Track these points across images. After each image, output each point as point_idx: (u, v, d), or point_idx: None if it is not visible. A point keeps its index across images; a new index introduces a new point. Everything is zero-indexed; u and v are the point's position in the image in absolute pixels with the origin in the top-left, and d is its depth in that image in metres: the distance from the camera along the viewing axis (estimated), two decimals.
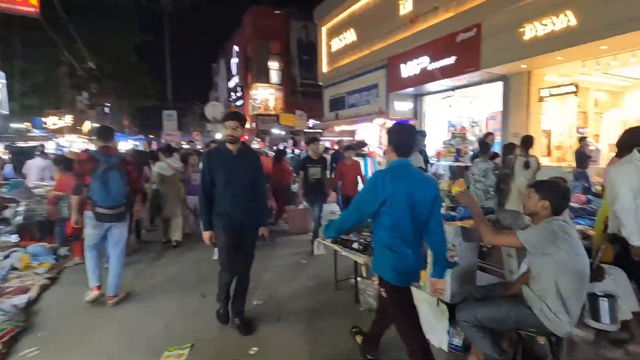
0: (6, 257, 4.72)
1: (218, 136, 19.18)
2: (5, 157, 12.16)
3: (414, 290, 2.51)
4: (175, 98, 22.68)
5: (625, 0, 6.98)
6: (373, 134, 15.72)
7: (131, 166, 3.85)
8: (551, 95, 9.83)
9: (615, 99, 12.19)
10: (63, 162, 4.71)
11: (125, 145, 25.97)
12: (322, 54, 17.99)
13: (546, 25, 8.49)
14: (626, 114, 11.49)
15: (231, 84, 31.00)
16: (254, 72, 25.95)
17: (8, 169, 11.39)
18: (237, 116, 2.94)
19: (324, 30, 17.67)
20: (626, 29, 7.03)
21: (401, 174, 1.98)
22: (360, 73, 15.11)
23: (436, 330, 2.48)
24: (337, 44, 16.70)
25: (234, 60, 29.60)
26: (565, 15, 8.09)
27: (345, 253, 3.33)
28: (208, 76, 41.17)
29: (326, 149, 11.81)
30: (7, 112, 12.90)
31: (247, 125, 27.54)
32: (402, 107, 13.93)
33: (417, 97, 14.00)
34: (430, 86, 12.62)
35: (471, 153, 6.30)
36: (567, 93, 9.54)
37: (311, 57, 26.05)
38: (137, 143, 22.77)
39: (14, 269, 4.49)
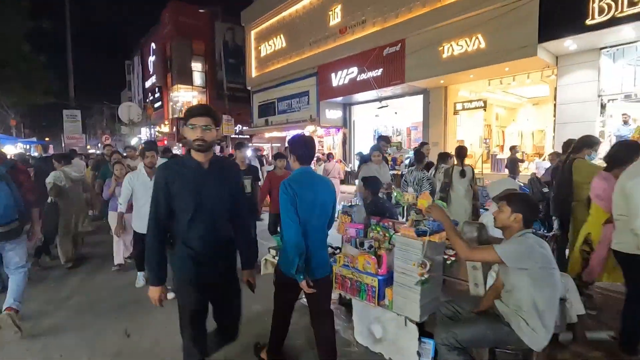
0: None
1: (133, 142, 17.28)
2: None
3: (380, 309, 2.44)
4: (80, 97, 19.84)
5: (520, 30, 8.01)
6: None
7: (23, 175, 3.41)
8: (464, 109, 10.83)
9: (511, 114, 14.02)
10: None
11: (12, 149, 21.86)
12: (250, 58, 17.46)
13: (461, 46, 9.32)
14: (520, 126, 13.29)
15: (148, 83, 28.36)
16: (175, 72, 24.11)
17: None
18: (208, 111, 1.93)
19: (252, 34, 17.19)
20: (521, 55, 8.08)
21: (306, 180, 2.21)
22: (290, 80, 14.97)
23: (404, 350, 2.34)
24: (266, 49, 16.36)
25: (151, 59, 27.16)
26: (477, 38, 8.97)
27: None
28: (120, 74, 37.18)
29: (258, 153, 11.33)
30: None
31: (167, 129, 25.44)
32: (333, 115, 14.14)
33: (347, 106, 14.34)
34: (359, 96, 13.03)
35: (407, 162, 6.54)
36: (476, 107, 10.60)
37: (238, 60, 25.21)
38: (28, 147, 19.47)
39: None
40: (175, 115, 24.21)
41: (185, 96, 24.51)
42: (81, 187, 5.36)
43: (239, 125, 21.58)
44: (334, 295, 2.96)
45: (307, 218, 2.14)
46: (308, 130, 14.92)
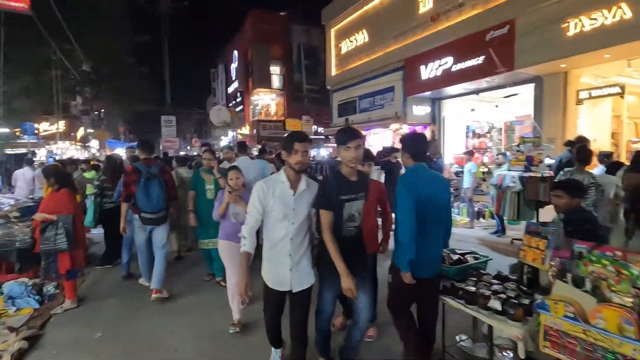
0: None
1: (223, 142, 18.03)
2: None
3: None
4: (172, 104, 21.49)
5: None
6: (386, 140, 14.74)
7: (168, 175, 4.16)
8: (591, 97, 8.93)
9: None
10: (55, 174, 3.58)
11: (121, 151, 24.66)
12: (330, 57, 17.03)
13: (595, 19, 7.58)
14: None
15: (230, 89, 29.86)
16: (255, 77, 24.88)
17: None
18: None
19: (332, 32, 16.73)
20: None
21: (421, 176, 2.30)
22: (373, 76, 14.14)
23: None
24: (347, 46, 15.75)
25: (234, 65, 28.49)
26: (620, 7, 7.19)
27: (474, 313, 2.21)
28: (205, 82, 39.99)
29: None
30: None
31: (247, 132, 26.44)
32: (420, 111, 12.96)
33: (436, 101, 13.05)
34: (451, 89, 11.69)
35: (549, 161, 5.32)
36: (610, 95, 8.65)
37: (313, 62, 25.16)
38: (133, 150, 21.52)
39: None
40: (255, 118, 24.96)
41: (265, 99, 25.14)
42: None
43: (314, 126, 21.41)
44: None
45: (422, 214, 2.20)
46: (392, 128, 13.96)
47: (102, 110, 23.01)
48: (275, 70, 25.12)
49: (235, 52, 27.92)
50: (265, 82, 24.67)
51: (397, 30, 12.79)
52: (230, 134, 24.07)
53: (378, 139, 15.34)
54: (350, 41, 15.44)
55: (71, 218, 3.45)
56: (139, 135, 40.31)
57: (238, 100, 27.93)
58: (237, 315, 3.20)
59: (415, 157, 2.31)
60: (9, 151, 13.97)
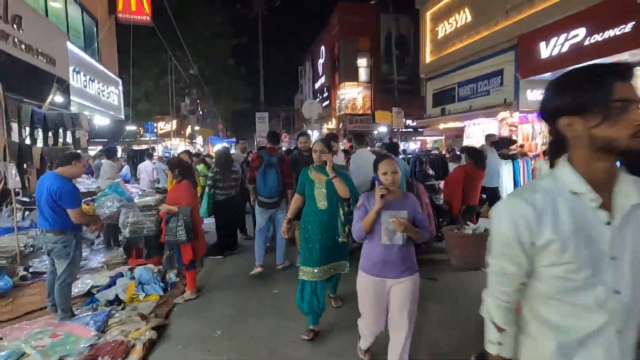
0: (111, 284, 3.76)
1: (314, 135, 18.22)
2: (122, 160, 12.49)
3: None
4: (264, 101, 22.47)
5: None
6: (489, 131, 13.07)
7: (285, 165, 4.31)
8: None
9: None
10: (179, 166, 3.67)
11: (219, 147, 26.88)
12: (425, 43, 15.77)
13: None
14: None
15: (317, 85, 30.23)
16: (342, 71, 24.63)
17: (125, 171, 11.65)
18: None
19: (427, 15, 15.45)
20: None
21: None
22: (477, 59, 12.61)
23: None
24: (444, 29, 14.36)
25: (321, 61, 28.72)
26: None
27: None
28: (292, 80, 41.37)
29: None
30: (123, 117, 13.39)
31: (334, 126, 26.44)
32: (537, 96, 11.09)
33: None
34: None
35: None
36: None
37: (402, 51, 23.87)
38: (230, 145, 23.22)
39: (117, 301, 3.49)
40: (342, 112, 24.75)
41: (351, 93, 24.75)
42: None
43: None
44: None
45: None
46: (499, 117, 12.28)
47: (205, 110, 25.29)
48: (362, 62, 24.52)
49: (323, 48, 28.06)
50: (352, 76, 24.25)
51: (508, 4, 11.11)
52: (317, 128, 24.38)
53: (479, 130, 13.70)
54: (449, 23, 14.02)
55: (189, 210, 3.44)
56: (235, 132, 43.73)
57: (324, 95, 28.10)
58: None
59: None
60: (135, 147, 16.08)
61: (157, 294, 3.67)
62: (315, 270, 2.84)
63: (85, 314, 3.10)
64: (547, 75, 10.46)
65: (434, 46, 15.20)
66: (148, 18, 12.69)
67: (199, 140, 23.83)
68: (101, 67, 11.77)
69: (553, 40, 9.69)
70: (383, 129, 20.26)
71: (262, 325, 3.18)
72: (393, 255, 2.15)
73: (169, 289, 3.87)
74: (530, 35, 10.38)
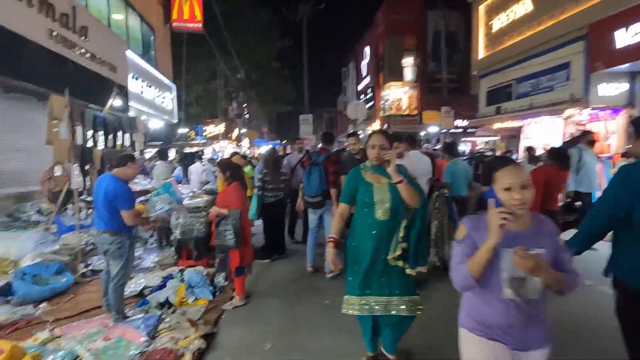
0: (162, 286, 3.73)
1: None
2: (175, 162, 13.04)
3: None
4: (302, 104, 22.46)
5: None
6: (549, 131, 11.93)
7: (330, 163, 4.21)
8: None
9: None
10: (229, 168, 3.56)
11: (266, 148, 27.44)
12: (477, 38, 14.81)
13: None
14: None
15: (361, 86, 29.77)
16: (386, 70, 23.98)
17: (177, 172, 12.16)
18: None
19: (480, 9, 14.48)
20: None
21: None
22: (538, 52, 11.54)
23: None
24: (500, 21, 13.36)
25: (364, 62, 28.24)
26: None
27: None
28: (335, 82, 41.21)
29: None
30: (176, 121, 13.99)
31: (378, 127, 25.84)
32: (611, 90, 9.86)
33: (637, 76, 9.72)
34: None
35: None
36: None
37: (450, 49, 22.71)
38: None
39: (167, 303, 3.44)
40: (386, 113, 24.12)
41: (396, 93, 24.04)
42: None
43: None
44: None
45: None
46: (564, 115, 11.13)
47: (251, 113, 25.95)
48: (408, 62, 23.70)
49: (367, 48, 27.58)
50: (397, 76, 23.52)
51: None
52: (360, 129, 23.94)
53: (539, 130, 12.56)
54: (506, 15, 13.01)
55: (239, 214, 3.30)
56: (278, 134, 44.55)
57: (368, 96, 27.57)
58: None
59: None
60: (186, 149, 16.79)
61: (206, 299, 3.58)
62: (366, 301, 2.22)
63: (137, 317, 3.06)
64: (624, 67, 9.26)
65: (489, 41, 14.20)
66: (200, 25, 13.15)
67: (245, 142, 24.43)
68: (157, 74, 12.35)
69: (633, 28, 8.54)
70: (434, 129, 19.36)
71: (314, 339, 2.94)
72: (521, 315, 1.42)
73: (217, 293, 3.77)
74: (604, 23, 9.25)
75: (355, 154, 4.21)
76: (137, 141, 6.19)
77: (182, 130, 13.30)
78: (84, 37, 7.51)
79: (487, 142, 17.91)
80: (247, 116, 27.63)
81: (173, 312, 3.28)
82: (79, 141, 4.86)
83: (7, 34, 5.57)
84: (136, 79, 10.32)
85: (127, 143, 6.23)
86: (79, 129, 4.83)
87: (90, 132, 5.12)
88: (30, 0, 5.95)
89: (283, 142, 35.69)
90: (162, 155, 6.00)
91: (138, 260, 4.70)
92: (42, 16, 6.28)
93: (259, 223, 5.52)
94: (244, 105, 24.92)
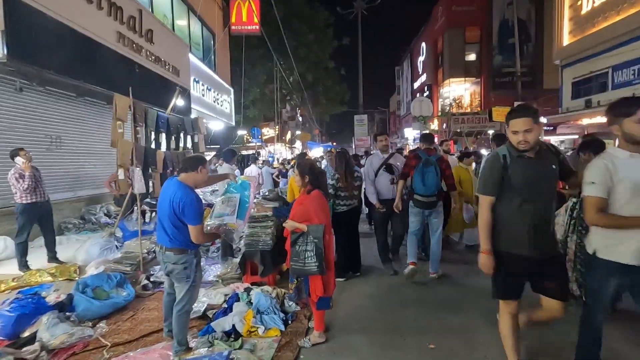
0: (227, 309, 3.19)
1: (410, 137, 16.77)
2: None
3: None
4: (355, 104, 21.53)
5: None
6: None
7: (445, 165, 4.13)
8: None
9: None
10: (311, 172, 2.84)
11: (318, 152, 27.10)
12: (561, 22, 12.91)
13: None
14: None
15: (417, 84, 28.20)
16: (446, 66, 22.31)
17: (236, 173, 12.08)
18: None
19: None
20: None
21: None
22: None
23: None
24: (592, 1, 11.44)
25: (421, 59, 26.69)
26: None
27: None
28: (388, 82, 39.74)
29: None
30: (234, 124, 13.96)
31: (436, 127, 24.20)
32: None
33: None
34: None
35: None
36: None
37: (521, 39, 20.49)
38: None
39: (234, 332, 2.87)
40: (447, 111, 22.44)
41: (457, 89, 22.29)
42: None
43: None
44: None
45: None
46: None
47: (304, 115, 25.72)
48: (470, 56, 21.89)
49: (423, 45, 26.05)
50: (458, 71, 21.78)
51: None
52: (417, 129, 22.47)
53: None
54: None
55: (322, 230, 2.60)
56: (330, 137, 44.12)
57: (425, 94, 26.00)
58: None
59: None
60: (243, 152, 16.83)
61: (277, 329, 2.95)
62: None
63: (203, 356, 2.49)
64: None
65: (576, 24, 12.27)
66: (257, 27, 12.99)
67: (298, 144, 24.22)
68: (217, 77, 12.35)
69: None
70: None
71: None
72: None
73: (289, 321, 3.13)
74: None
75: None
76: (200, 142, 5.87)
77: (240, 133, 13.18)
78: (149, 41, 7.45)
79: (562, 141, 15.71)
80: (300, 119, 27.47)
81: (241, 347, 2.69)
82: (143, 142, 4.56)
83: (79, 36, 5.52)
84: (197, 82, 10.28)
85: (189, 145, 5.94)
86: (141, 130, 4.55)
87: (153, 134, 4.86)
88: (100, 2, 5.88)
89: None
90: (227, 157, 5.54)
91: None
92: (111, 19, 6.22)
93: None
94: (297, 108, 24.74)
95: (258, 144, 16.70)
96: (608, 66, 11.00)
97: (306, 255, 2.55)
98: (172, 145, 5.42)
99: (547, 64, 19.64)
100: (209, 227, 2.82)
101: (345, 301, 3.62)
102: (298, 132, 22.93)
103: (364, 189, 4.63)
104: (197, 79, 10.24)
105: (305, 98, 20.84)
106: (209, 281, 4.18)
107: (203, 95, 10.71)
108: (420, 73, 27.23)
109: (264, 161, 13.15)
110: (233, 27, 12.96)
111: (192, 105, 9.63)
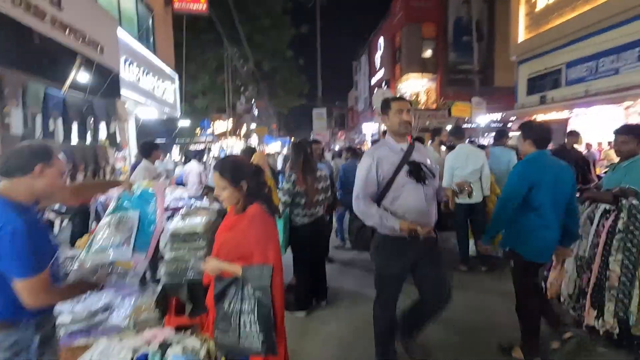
0: None
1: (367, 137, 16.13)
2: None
3: None
4: (313, 100, 20.53)
5: None
6: (606, 123, 10.04)
7: None
8: None
9: None
10: (242, 172, 1.69)
11: (275, 147, 25.77)
12: (516, 20, 12.87)
13: None
14: None
15: (374, 80, 27.84)
16: (404, 61, 22.06)
17: (178, 171, 10.51)
18: None
19: None
20: None
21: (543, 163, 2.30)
22: (599, 30, 9.61)
23: None
24: None
25: (379, 54, 26.30)
26: None
27: None
28: (346, 77, 39.24)
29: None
30: (179, 115, 12.32)
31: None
32: None
33: None
34: None
35: None
36: None
37: (474, 37, 20.75)
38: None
39: None
40: (412, 102, 22.20)
41: (415, 85, 22.13)
42: None
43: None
44: None
45: (540, 198, 2.25)
46: (624, 104, 9.27)
47: (260, 108, 24.27)
48: (427, 52, 21.79)
49: (381, 39, 25.66)
50: (416, 66, 21.60)
51: None
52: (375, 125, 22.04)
53: (588, 122, 10.69)
54: None
55: (270, 275, 1.51)
56: (288, 131, 42.71)
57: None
58: None
59: (538, 144, 2.33)
60: (192, 147, 15.12)
61: None
62: None
63: None
64: None
65: (531, 20, 12.25)
66: (204, 7, 11.45)
67: (254, 139, 22.75)
68: (156, 60, 10.67)
69: None
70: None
71: None
72: None
73: None
74: None
75: None
76: (119, 132, 4.48)
77: (183, 123, 11.40)
78: (56, 5, 5.80)
79: (509, 138, 15.92)
80: (256, 112, 25.91)
81: None
82: (18, 129, 3.12)
83: None
84: (130, 64, 8.65)
85: (103, 135, 4.52)
86: (16, 112, 3.11)
87: (39, 118, 3.43)
88: None
89: (292, 139, 34.09)
90: (145, 150, 4.01)
91: (105, 313, 3.01)
92: None
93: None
94: (252, 101, 23.21)
95: (209, 139, 15.13)
96: (561, 63, 11.04)
97: (241, 322, 1.49)
98: (75, 136, 3.99)
99: (498, 62, 20.05)
100: (78, 273, 1.65)
101: (312, 353, 2.59)
102: (253, 126, 21.47)
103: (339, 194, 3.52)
104: (130, 60, 8.60)
105: (262, 89, 19.47)
106: (115, 325, 2.94)
107: (138, 80, 9.08)
108: (378, 68, 26.87)
109: (214, 157, 11.74)
110: (176, 5, 11.32)
111: (124, 91, 8.03)
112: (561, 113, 11.18)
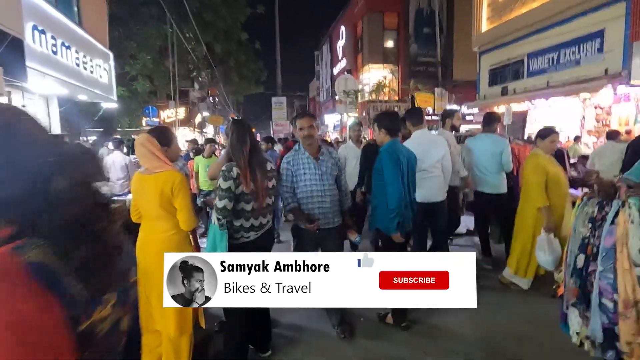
0: None
1: (349, 121, 15.25)
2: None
3: None
4: (273, 90, 19.33)
5: None
6: (564, 115, 10.08)
7: None
8: None
9: None
10: None
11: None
12: (479, 9, 12.60)
13: None
14: None
15: (336, 70, 27.02)
16: (366, 51, 21.45)
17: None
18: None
19: None
20: None
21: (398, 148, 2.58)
22: (560, 20, 9.49)
23: None
24: None
25: (340, 43, 25.48)
26: None
27: None
28: (307, 67, 38.08)
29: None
30: (115, 98, 10.58)
31: (356, 114, 23.39)
32: None
33: None
34: None
35: None
36: None
37: (434, 29, 20.64)
38: (244, 119, 20.49)
39: None
40: (366, 99, 21.64)
41: (376, 76, 21.61)
42: None
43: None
44: None
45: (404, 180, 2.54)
46: (582, 97, 9.25)
47: (217, 97, 22.51)
48: (388, 42, 21.34)
49: (343, 29, 24.85)
50: (377, 57, 21.08)
51: None
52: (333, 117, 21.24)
53: (550, 114, 10.66)
54: None
55: None
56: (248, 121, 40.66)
57: None
58: None
59: (391, 133, 2.58)
60: (134, 137, 13.34)
61: None
62: None
63: None
64: None
65: (493, 11, 12.03)
66: None
67: (210, 129, 21.05)
68: (82, 33, 8.91)
69: None
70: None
71: None
72: None
73: None
74: None
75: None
76: None
77: (108, 107, 9.39)
78: None
79: (467, 130, 16.04)
80: (211, 100, 24.05)
81: None
82: None
83: None
84: (42, 32, 6.99)
85: None
86: None
87: None
88: None
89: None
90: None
91: None
92: None
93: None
94: (207, 88, 21.39)
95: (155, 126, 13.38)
96: (523, 53, 10.89)
97: None
98: None
99: (457, 55, 20.09)
100: None
101: None
102: (207, 114, 19.76)
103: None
104: (40, 28, 6.94)
105: (216, 75, 17.83)
106: None
107: (55, 52, 7.42)
108: (339, 58, 26.09)
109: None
110: None
111: (31, 63, 6.43)
112: (523, 104, 11.08)
